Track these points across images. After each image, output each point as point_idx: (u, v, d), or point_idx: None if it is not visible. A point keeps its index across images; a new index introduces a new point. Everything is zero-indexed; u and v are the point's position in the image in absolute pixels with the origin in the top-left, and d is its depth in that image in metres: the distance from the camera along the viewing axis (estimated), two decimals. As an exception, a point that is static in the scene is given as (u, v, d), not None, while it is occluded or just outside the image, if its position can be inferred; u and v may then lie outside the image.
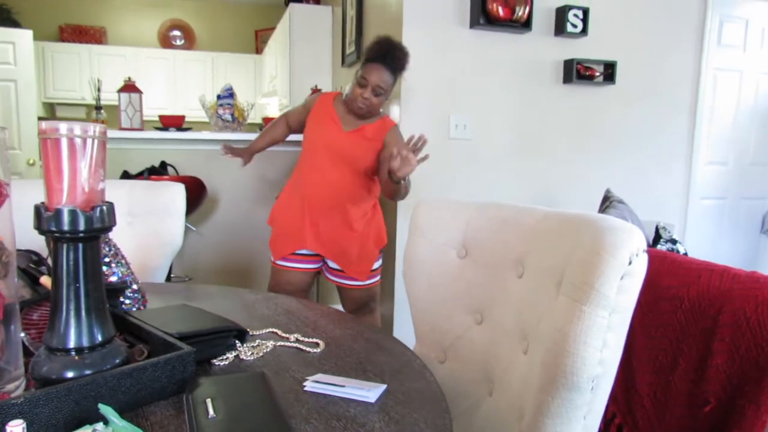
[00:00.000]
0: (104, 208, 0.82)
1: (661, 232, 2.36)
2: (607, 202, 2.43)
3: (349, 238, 2.31)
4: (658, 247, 2.28)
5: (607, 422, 1.75)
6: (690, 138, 3.55)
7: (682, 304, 1.57)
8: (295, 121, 2.52)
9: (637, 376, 1.73)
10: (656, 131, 3.46)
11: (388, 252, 2.98)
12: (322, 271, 2.44)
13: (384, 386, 0.90)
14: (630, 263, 0.82)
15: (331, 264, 2.37)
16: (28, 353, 0.88)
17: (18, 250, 1.11)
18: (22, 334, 0.89)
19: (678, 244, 2.31)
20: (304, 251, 2.33)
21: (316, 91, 2.94)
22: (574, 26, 3.06)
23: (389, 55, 2.17)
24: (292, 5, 4.52)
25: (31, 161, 5.46)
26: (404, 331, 2.97)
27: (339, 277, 2.38)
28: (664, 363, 1.64)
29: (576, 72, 3.12)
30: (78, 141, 0.80)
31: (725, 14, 3.50)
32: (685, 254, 2.30)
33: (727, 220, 3.81)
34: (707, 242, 3.73)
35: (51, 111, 6.63)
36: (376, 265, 2.42)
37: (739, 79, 3.66)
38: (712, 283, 1.51)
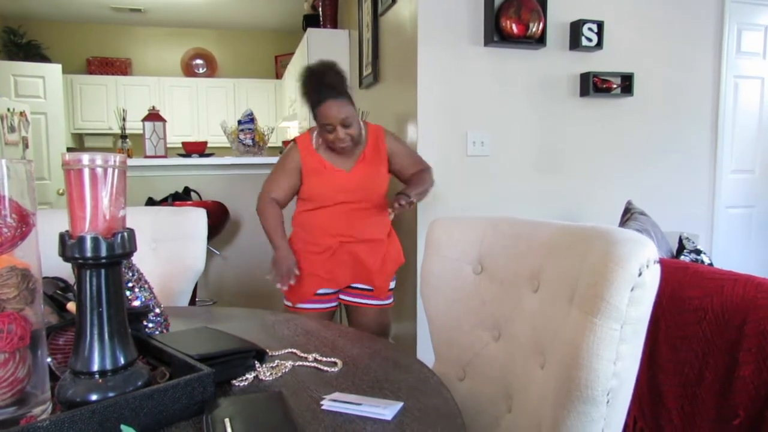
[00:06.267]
0: (125, 234, 0.85)
1: (685, 242, 2.33)
2: (628, 215, 2.40)
3: (375, 253, 2.28)
4: (682, 258, 2.25)
5: (635, 438, 1.73)
6: (713, 147, 3.51)
7: (706, 315, 1.55)
8: (286, 192, 2.26)
9: (664, 390, 1.70)
10: (677, 141, 3.42)
11: (409, 271, 2.99)
12: (339, 304, 2.37)
13: (400, 404, 0.91)
14: (640, 274, 0.82)
15: (354, 285, 2.30)
16: (54, 377, 0.91)
17: (45, 278, 1.15)
18: (49, 359, 0.92)
19: (702, 255, 2.28)
20: (324, 290, 2.27)
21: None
22: (589, 40, 3.07)
23: (328, 86, 2.07)
24: (310, 30, 4.61)
25: (60, 191, 5.59)
26: (427, 350, 2.96)
27: (358, 297, 2.31)
28: (690, 376, 1.61)
29: (593, 85, 3.11)
30: (99, 171, 0.83)
31: (743, 22, 3.48)
32: (710, 264, 2.26)
33: (756, 229, 3.74)
34: (735, 251, 3.66)
35: (79, 141, 6.81)
36: (392, 285, 2.37)
37: (760, 86, 3.62)
38: (736, 292, 1.49)
